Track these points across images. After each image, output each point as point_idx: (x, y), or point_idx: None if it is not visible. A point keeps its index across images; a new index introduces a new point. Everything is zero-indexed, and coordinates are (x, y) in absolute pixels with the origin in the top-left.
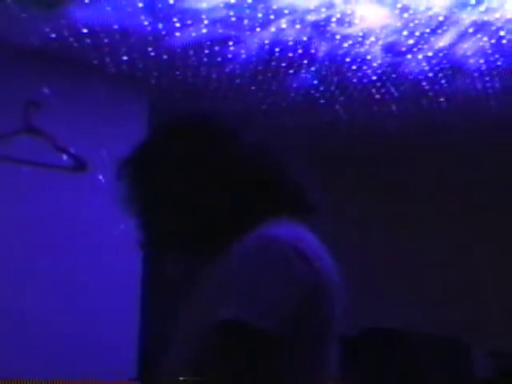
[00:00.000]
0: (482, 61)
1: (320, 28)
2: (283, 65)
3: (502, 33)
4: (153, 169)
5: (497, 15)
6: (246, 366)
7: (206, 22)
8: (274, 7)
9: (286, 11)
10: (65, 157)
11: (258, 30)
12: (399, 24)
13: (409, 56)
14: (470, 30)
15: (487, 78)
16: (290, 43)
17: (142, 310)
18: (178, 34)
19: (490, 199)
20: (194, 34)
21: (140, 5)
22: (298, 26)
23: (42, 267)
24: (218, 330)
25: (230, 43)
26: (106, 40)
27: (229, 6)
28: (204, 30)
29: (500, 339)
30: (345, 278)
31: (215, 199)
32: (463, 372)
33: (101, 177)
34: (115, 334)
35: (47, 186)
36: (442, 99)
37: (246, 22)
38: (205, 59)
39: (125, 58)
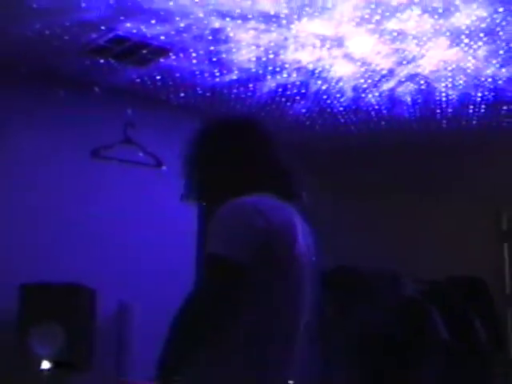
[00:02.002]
0: (408, 99)
1: (309, 76)
2: (283, 99)
3: (422, 81)
4: (198, 151)
5: (418, 70)
6: (223, 288)
7: (236, 71)
8: (279, 63)
9: (286, 66)
10: (149, 158)
11: (268, 77)
12: (359, 74)
13: (363, 95)
14: (403, 79)
15: (413, 110)
16: (289, 86)
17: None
18: (217, 79)
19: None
20: (227, 79)
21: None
22: (293, 76)
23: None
24: (204, 260)
25: (250, 85)
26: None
27: (252, 61)
28: (234, 77)
29: (421, 270)
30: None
31: (227, 174)
32: (396, 293)
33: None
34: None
35: (138, 178)
36: (383, 122)
37: (260, 71)
38: (234, 94)
39: (181, 94)
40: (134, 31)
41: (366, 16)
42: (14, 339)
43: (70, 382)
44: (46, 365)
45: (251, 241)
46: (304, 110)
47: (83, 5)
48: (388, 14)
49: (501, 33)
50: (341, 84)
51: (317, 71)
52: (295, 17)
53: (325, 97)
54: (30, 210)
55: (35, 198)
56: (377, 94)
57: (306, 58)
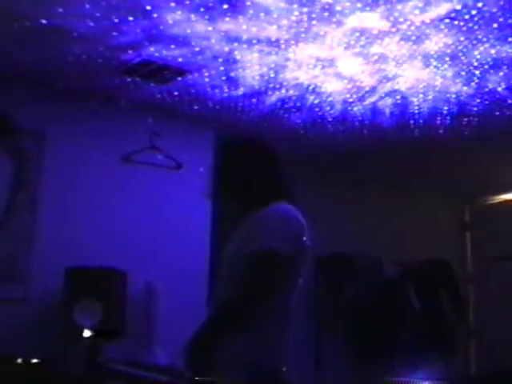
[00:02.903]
0: (387, 111)
1: (304, 91)
2: (282, 111)
3: (398, 97)
4: (225, 164)
5: (396, 87)
6: (276, 279)
7: (242, 88)
8: (279, 81)
9: (285, 83)
10: (170, 161)
11: (269, 93)
12: (346, 90)
13: (349, 107)
14: (382, 96)
15: (391, 120)
16: (286, 100)
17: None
18: (226, 94)
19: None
20: (234, 94)
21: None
22: (291, 91)
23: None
24: (256, 256)
25: (254, 100)
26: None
27: (256, 79)
28: (240, 92)
29: (398, 255)
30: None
31: (251, 185)
32: (379, 274)
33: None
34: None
35: (161, 178)
36: (365, 131)
37: (263, 88)
38: (240, 107)
39: (196, 107)
40: (157, 54)
41: (352, 42)
42: (61, 313)
43: (107, 347)
44: (87, 333)
45: (290, 236)
46: (299, 121)
47: (114, 33)
48: (370, 40)
49: (462, 57)
50: (331, 98)
51: (311, 87)
52: (293, 42)
53: (317, 109)
54: (72, 207)
55: (78, 196)
56: (361, 107)
57: (302, 76)
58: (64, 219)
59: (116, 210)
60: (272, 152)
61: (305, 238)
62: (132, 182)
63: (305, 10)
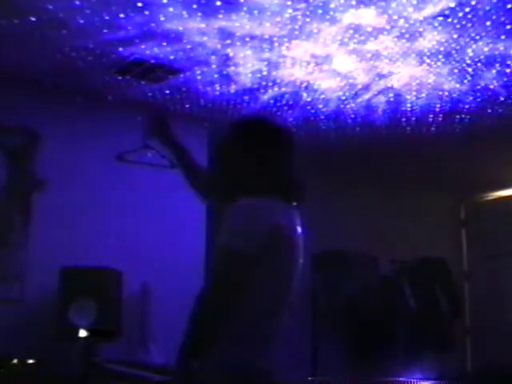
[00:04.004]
0: (380, 109)
1: (297, 89)
2: (274, 109)
3: (391, 94)
4: (221, 152)
5: (390, 84)
6: (234, 278)
7: (234, 86)
8: (272, 78)
9: (278, 80)
10: (165, 160)
11: (262, 90)
12: (339, 88)
13: (341, 105)
14: (376, 93)
15: (383, 118)
16: (279, 98)
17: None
18: (217, 92)
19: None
20: (226, 92)
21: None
22: (284, 89)
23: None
24: (217, 253)
25: (246, 97)
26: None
27: (248, 77)
28: (232, 90)
29: (394, 253)
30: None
31: (241, 175)
32: (375, 272)
33: None
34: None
35: (156, 177)
36: (358, 128)
37: (255, 86)
38: (232, 105)
39: (188, 105)
40: (148, 52)
41: (346, 39)
42: (56, 313)
43: (102, 347)
44: (83, 333)
45: (259, 235)
46: (291, 119)
47: (105, 30)
48: (364, 37)
49: (456, 55)
50: (323, 96)
51: (304, 85)
52: (286, 39)
53: (309, 107)
54: (66, 206)
55: (72, 195)
56: (353, 104)
57: (295, 73)
58: (58, 219)
59: (111, 209)
60: (277, 141)
61: (294, 237)
62: (127, 181)
63: (299, 7)
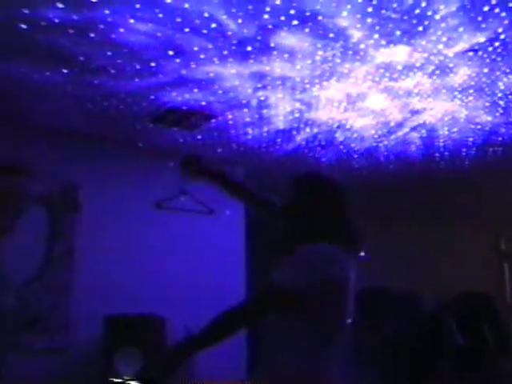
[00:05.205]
0: (414, 145)
1: (330, 129)
2: (306, 151)
3: (423, 130)
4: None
5: (422, 120)
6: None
7: (265, 129)
8: (304, 120)
9: (310, 122)
10: (202, 206)
11: (294, 132)
12: (372, 126)
13: (374, 143)
14: (409, 130)
15: (416, 154)
16: (311, 138)
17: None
18: (249, 136)
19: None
20: (257, 135)
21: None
22: (316, 129)
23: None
24: (268, 289)
25: (278, 140)
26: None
27: (280, 120)
28: (264, 133)
29: (438, 288)
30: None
31: (304, 223)
32: (418, 309)
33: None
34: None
35: (195, 223)
36: (391, 166)
37: (287, 128)
38: (264, 148)
39: (219, 150)
40: (179, 99)
41: (377, 78)
42: (101, 362)
43: None
44: (129, 382)
45: (311, 280)
46: (324, 159)
47: (136, 80)
48: (395, 75)
49: (486, 89)
50: (356, 135)
51: (336, 125)
52: (317, 81)
53: (342, 147)
54: (108, 255)
55: (113, 244)
56: (386, 142)
57: (327, 114)
58: (101, 267)
59: (152, 256)
60: (339, 190)
61: (346, 284)
62: (166, 227)
63: (329, 49)
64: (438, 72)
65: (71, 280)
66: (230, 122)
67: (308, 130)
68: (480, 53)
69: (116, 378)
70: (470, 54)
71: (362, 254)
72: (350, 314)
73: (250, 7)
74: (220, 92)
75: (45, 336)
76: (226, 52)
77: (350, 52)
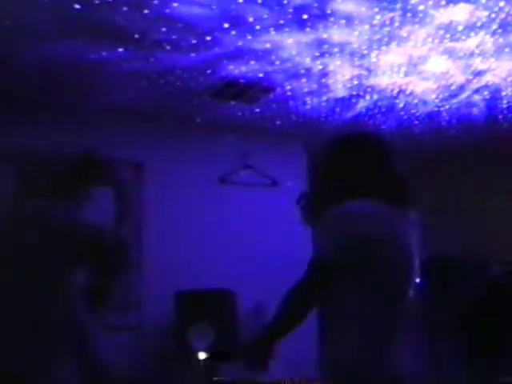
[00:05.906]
0: (476, 108)
1: (390, 96)
2: (366, 118)
3: (486, 92)
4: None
5: (484, 82)
6: (313, 283)
7: (324, 98)
8: (363, 87)
9: (369, 89)
10: (266, 179)
11: (353, 100)
12: (432, 90)
13: (435, 108)
14: (471, 92)
15: (478, 115)
16: (371, 106)
17: None
18: (308, 106)
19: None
20: (316, 105)
21: None
22: (376, 96)
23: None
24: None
25: (337, 109)
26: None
27: (339, 89)
28: (323, 103)
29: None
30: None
31: (342, 183)
32: (486, 274)
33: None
34: None
35: (259, 196)
36: (453, 130)
37: (347, 97)
38: (323, 118)
39: (278, 122)
40: (237, 72)
41: (437, 40)
42: (174, 338)
43: (221, 368)
44: (202, 356)
45: (341, 245)
46: (385, 126)
47: (192, 54)
48: (456, 36)
49: None
50: (416, 101)
51: (395, 91)
52: (376, 46)
53: (402, 113)
54: (175, 231)
55: (180, 221)
56: (448, 106)
57: (387, 79)
58: (169, 244)
59: (218, 231)
60: (374, 145)
61: (389, 245)
62: (231, 202)
63: (387, 12)
64: (500, 31)
65: (141, 258)
66: (289, 93)
67: (368, 97)
68: None
69: (190, 353)
70: None
71: (414, 213)
72: (413, 280)
73: None
74: (277, 62)
75: (119, 313)
76: (282, 21)
77: (409, 14)
